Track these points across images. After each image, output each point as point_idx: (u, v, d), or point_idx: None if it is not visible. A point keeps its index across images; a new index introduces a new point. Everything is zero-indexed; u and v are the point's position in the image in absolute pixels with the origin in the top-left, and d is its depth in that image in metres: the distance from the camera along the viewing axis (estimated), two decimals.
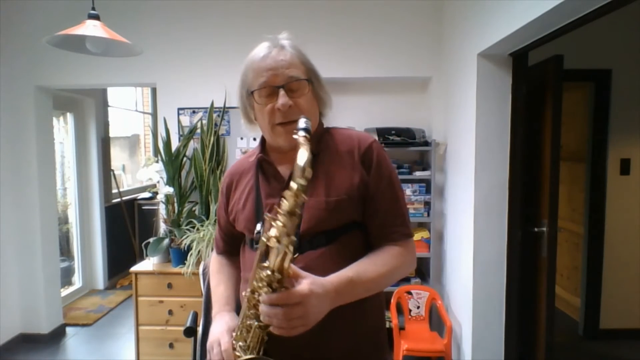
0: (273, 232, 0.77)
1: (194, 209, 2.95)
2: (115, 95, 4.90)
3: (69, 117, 4.07)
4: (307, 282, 0.79)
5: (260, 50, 0.98)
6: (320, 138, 1.03)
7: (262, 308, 0.78)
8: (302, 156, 0.79)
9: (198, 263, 2.49)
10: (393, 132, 2.83)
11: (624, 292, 3.17)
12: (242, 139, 3.04)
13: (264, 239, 0.79)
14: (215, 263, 1.23)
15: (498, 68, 2.24)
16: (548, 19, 1.63)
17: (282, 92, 0.95)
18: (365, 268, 0.92)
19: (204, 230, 2.62)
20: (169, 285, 2.62)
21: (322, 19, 2.95)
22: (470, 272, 2.34)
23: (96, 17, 1.85)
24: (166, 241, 2.72)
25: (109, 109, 4.62)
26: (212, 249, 2.46)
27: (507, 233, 2.28)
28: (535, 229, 2.25)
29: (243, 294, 0.90)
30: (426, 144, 2.86)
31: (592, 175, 3.18)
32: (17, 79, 3.07)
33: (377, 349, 1.05)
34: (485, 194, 2.29)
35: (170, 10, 3.01)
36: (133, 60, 2.85)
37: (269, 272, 0.77)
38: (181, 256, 2.62)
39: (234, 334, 0.95)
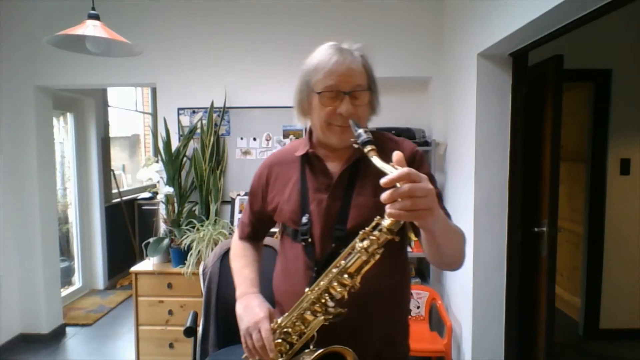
0: (365, 243, 0.86)
1: (194, 209, 2.96)
2: (115, 95, 4.90)
3: (69, 117, 4.08)
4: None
5: (332, 53, 1.00)
6: None
7: (393, 198, 0.75)
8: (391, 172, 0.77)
9: (198, 263, 2.49)
10: (393, 132, 2.83)
11: (624, 292, 3.17)
12: (242, 139, 3.04)
13: (357, 246, 0.86)
14: (238, 247, 1.28)
15: (498, 68, 2.24)
16: (548, 19, 1.63)
17: (347, 98, 0.99)
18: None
19: (204, 230, 2.62)
20: (169, 285, 2.62)
21: (322, 19, 2.95)
22: (470, 272, 2.34)
23: (96, 17, 1.85)
24: (166, 241, 2.72)
25: (109, 109, 4.62)
26: (211, 249, 2.46)
27: (507, 233, 2.28)
28: (535, 229, 2.25)
29: (306, 290, 0.94)
30: (426, 144, 2.86)
31: (592, 175, 3.18)
32: (17, 79, 3.07)
33: (405, 338, 1.15)
34: (485, 194, 2.29)
35: (171, 10, 3.01)
36: (133, 60, 2.85)
37: (346, 276, 0.88)
38: (181, 256, 2.63)
39: (277, 320, 1.00)
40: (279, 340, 0.98)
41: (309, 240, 1.04)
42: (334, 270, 0.91)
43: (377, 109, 1.10)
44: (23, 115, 3.11)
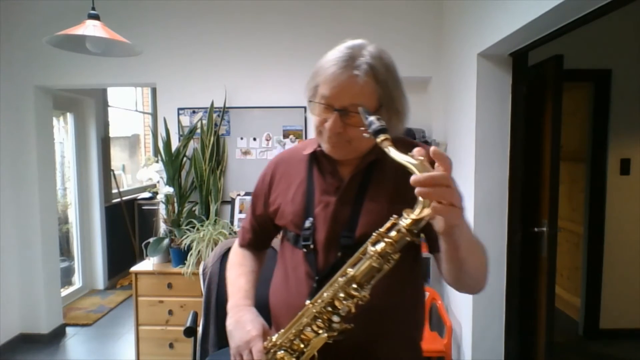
0: (379, 247, 0.76)
1: (194, 209, 2.95)
2: (115, 95, 4.90)
3: (69, 117, 4.07)
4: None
5: (336, 62, 0.88)
6: None
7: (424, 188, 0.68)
8: (418, 168, 0.70)
9: (198, 263, 2.49)
10: None
11: (624, 292, 3.17)
12: (242, 138, 3.04)
13: (370, 250, 0.77)
14: (237, 255, 1.18)
15: (498, 68, 2.24)
16: (548, 19, 1.63)
17: (336, 115, 0.88)
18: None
19: (204, 230, 2.62)
20: (169, 285, 2.62)
21: (322, 19, 2.95)
22: None
23: (96, 17, 1.85)
24: (166, 241, 2.72)
25: (109, 109, 4.62)
26: (211, 249, 2.46)
27: (507, 233, 2.28)
28: (535, 229, 2.24)
29: (307, 302, 0.85)
30: (426, 144, 2.86)
31: (592, 175, 3.18)
32: (17, 79, 3.07)
33: (415, 350, 1.04)
34: (485, 194, 2.29)
35: (171, 10, 3.01)
36: (133, 60, 2.85)
37: (354, 286, 0.78)
38: (181, 256, 2.63)
39: (272, 337, 0.91)
40: None
41: (311, 246, 0.95)
42: (340, 279, 0.80)
43: (398, 123, 0.94)
44: (23, 115, 3.11)
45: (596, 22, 1.63)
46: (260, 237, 1.17)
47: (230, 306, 1.01)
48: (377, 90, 0.88)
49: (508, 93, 2.25)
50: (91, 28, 1.79)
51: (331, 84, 0.87)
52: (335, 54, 0.89)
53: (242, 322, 0.95)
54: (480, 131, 2.27)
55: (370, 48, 0.90)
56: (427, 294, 2.78)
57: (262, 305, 1.04)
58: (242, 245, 1.20)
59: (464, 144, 2.45)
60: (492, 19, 2.04)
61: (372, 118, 0.79)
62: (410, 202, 0.74)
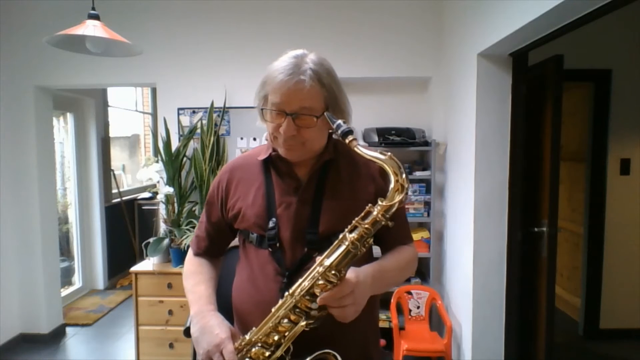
0: (356, 234, 0.85)
1: (194, 209, 2.95)
2: (115, 95, 4.90)
3: (69, 117, 4.08)
4: (351, 271, 0.87)
5: (283, 70, 0.94)
6: (336, 144, 1.06)
7: (326, 303, 0.85)
8: (387, 162, 0.87)
9: None
10: (393, 132, 2.83)
11: (624, 292, 3.17)
12: (242, 139, 3.04)
13: (348, 237, 0.85)
14: (192, 264, 1.18)
15: (498, 68, 2.24)
16: (548, 19, 1.63)
17: (289, 119, 0.94)
18: (389, 261, 1.04)
19: None
20: (169, 285, 2.62)
21: (322, 20, 2.95)
22: (470, 272, 2.34)
23: (96, 17, 1.85)
24: (166, 241, 2.72)
25: (109, 109, 4.62)
26: None
27: (507, 233, 2.28)
28: (535, 229, 2.24)
29: (286, 294, 0.88)
30: (426, 144, 2.86)
31: (592, 175, 3.18)
32: (17, 79, 3.07)
33: (377, 348, 1.13)
34: (485, 194, 2.29)
35: (170, 10, 3.01)
36: (133, 60, 2.85)
37: (333, 272, 0.84)
38: (181, 256, 2.62)
39: (245, 336, 0.92)
40: None
41: (277, 245, 0.99)
42: (319, 268, 0.85)
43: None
44: (23, 115, 3.11)
45: (596, 22, 1.63)
46: (216, 243, 1.19)
47: (194, 313, 1.01)
48: (322, 92, 0.95)
49: (508, 93, 2.25)
50: (91, 28, 1.79)
51: (280, 90, 0.93)
52: (281, 64, 0.95)
53: (208, 326, 0.95)
54: (480, 131, 2.27)
55: (312, 56, 0.98)
56: (428, 293, 2.79)
57: (220, 308, 1.05)
58: (197, 254, 1.20)
59: (464, 144, 2.45)
60: (492, 19, 2.04)
61: (339, 121, 0.89)
62: (364, 198, 0.92)
